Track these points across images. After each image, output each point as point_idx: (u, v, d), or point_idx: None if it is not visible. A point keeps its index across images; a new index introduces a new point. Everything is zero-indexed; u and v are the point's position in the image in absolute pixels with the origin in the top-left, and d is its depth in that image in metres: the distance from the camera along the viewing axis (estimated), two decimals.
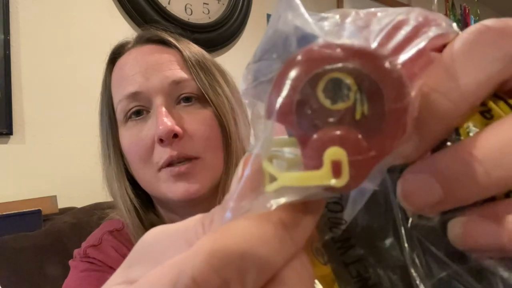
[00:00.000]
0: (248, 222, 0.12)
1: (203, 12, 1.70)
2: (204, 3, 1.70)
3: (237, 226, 0.12)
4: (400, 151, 0.12)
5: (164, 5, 1.56)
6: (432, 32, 0.12)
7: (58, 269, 1.04)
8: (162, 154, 0.45)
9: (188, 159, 0.46)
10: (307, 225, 0.13)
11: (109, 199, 1.36)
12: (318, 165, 0.11)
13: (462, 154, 0.12)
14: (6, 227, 1.03)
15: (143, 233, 0.29)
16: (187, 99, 0.48)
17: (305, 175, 0.12)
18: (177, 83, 0.47)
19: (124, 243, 0.51)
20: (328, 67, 0.11)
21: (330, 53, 0.12)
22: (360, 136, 0.11)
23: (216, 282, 0.11)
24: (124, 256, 0.43)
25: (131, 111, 0.47)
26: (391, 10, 0.13)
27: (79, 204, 1.23)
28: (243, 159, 0.14)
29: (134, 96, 0.47)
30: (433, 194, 0.12)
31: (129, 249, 0.44)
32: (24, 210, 1.10)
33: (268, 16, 2.01)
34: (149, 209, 0.52)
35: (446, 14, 2.83)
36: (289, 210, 0.12)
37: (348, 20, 0.14)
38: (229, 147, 0.48)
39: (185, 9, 1.64)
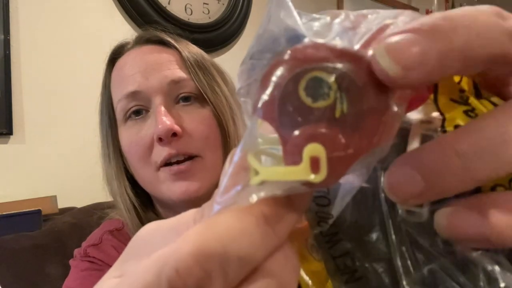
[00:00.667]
0: (230, 215, 0.12)
1: (203, 12, 1.70)
2: (204, 3, 1.70)
3: (220, 219, 0.12)
4: (384, 147, 0.13)
5: (164, 5, 1.56)
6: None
7: (58, 269, 1.04)
8: (161, 152, 0.46)
9: (188, 157, 0.46)
10: (290, 219, 0.13)
11: (109, 199, 1.36)
12: (297, 160, 0.12)
13: (442, 147, 0.12)
14: (6, 227, 1.03)
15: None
16: (186, 99, 0.48)
17: (285, 170, 0.12)
18: (176, 82, 0.47)
19: (124, 242, 0.51)
20: (309, 66, 0.12)
21: (312, 52, 0.12)
22: (339, 133, 0.12)
23: (199, 273, 0.11)
24: (121, 251, 0.43)
25: (131, 110, 0.48)
26: (382, 12, 0.14)
27: (79, 204, 1.23)
28: (230, 154, 0.15)
29: (133, 95, 0.47)
30: (415, 185, 0.12)
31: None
32: (24, 210, 1.10)
33: None
34: (148, 208, 0.52)
35: None
36: (271, 204, 0.13)
37: (336, 21, 0.14)
38: (228, 146, 0.49)
39: (185, 9, 1.64)
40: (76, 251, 0.54)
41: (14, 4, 1.24)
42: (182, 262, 0.12)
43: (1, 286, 0.92)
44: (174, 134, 0.45)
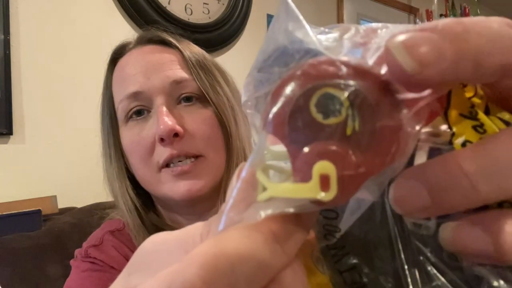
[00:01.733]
0: (238, 233, 0.12)
1: (203, 12, 1.70)
2: (204, 3, 1.70)
3: (227, 237, 0.12)
4: (397, 166, 0.12)
5: (164, 5, 1.56)
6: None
7: (58, 269, 1.04)
8: (163, 153, 0.45)
9: (189, 157, 0.46)
10: (299, 236, 0.13)
11: (109, 199, 1.35)
12: (307, 178, 0.11)
13: (450, 165, 0.12)
14: (6, 227, 1.03)
15: (144, 233, 0.28)
16: (188, 99, 0.48)
17: (294, 187, 0.12)
18: (177, 82, 0.47)
19: (125, 242, 0.51)
20: (320, 82, 0.11)
21: (324, 68, 0.12)
22: (350, 151, 0.11)
23: None
24: (125, 256, 0.43)
25: (132, 110, 0.47)
26: (391, 27, 0.14)
27: (79, 204, 1.23)
28: (238, 168, 0.14)
29: (135, 95, 0.47)
30: (420, 200, 0.12)
31: (130, 249, 0.43)
32: (24, 210, 1.10)
33: (268, 16, 2.01)
34: (149, 209, 0.52)
35: (446, 14, 2.83)
36: (280, 221, 0.12)
37: (347, 36, 0.14)
38: (230, 146, 0.48)
39: (185, 9, 1.64)
40: (77, 251, 0.54)
41: (14, 4, 1.24)
42: (190, 283, 0.11)
43: (1, 286, 0.92)
44: (176, 135, 0.45)
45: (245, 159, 0.47)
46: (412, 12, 2.98)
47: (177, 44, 0.50)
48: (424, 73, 0.11)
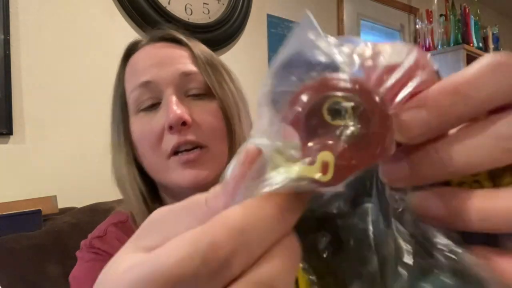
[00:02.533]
0: (256, 203, 0.15)
1: (203, 12, 1.70)
2: (204, 3, 1.70)
3: (244, 206, 0.15)
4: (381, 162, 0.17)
5: (164, 5, 1.56)
6: (418, 79, 0.16)
7: (58, 269, 1.04)
8: (171, 141, 0.48)
9: (195, 146, 0.49)
10: (298, 211, 0.16)
11: (109, 199, 1.35)
12: (312, 162, 0.15)
13: (426, 147, 0.16)
14: (6, 227, 1.03)
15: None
16: (196, 94, 0.51)
17: (302, 168, 0.15)
18: (186, 75, 0.50)
19: (127, 234, 0.53)
20: (333, 92, 0.15)
21: (338, 83, 0.16)
22: (347, 147, 0.15)
23: (230, 248, 0.14)
24: (123, 243, 0.44)
25: (144, 104, 0.50)
26: (395, 47, 0.17)
27: (79, 204, 1.23)
28: (245, 147, 0.17)
29: (146, 85, 0.50)
30: (402, 171, 0.16)
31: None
32: (24, 210, 1.10)
33: (268, 16, 2.01)
34: (155, 199, 0.54)
35: (446, 14, 2.83)
36: (284, 196, 0.15)
37: (357, 52, 0.17)
38: (232, 138, 0.51)
39: (185, 9, 1.64)
40: (82, 243, 0.56)
41: (14, 4, 1.24)
42: (216, 242, 0.14)
43: (1, 286, 0.92)
44: (184, 123, 0.47)
45: None
46: (412, 12, 2.98)
47: (188, 42, 0.53)
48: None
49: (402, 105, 0.16)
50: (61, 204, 1.22)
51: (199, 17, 1.67)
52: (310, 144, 0.15)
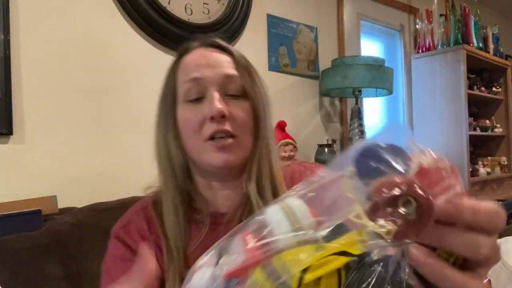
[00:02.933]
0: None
1: (203, 12, 1.70)
2: (204, 3, 1.70)
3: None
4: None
5: (164, 5, 1.56)
6: (457, 188, 0.27)
7: (58, 269, 1.04)
8: (210, 128, 0.59)
9: (229, 136, 0.60)
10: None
11: (109, 199, 1.35)
12: (386, 228, 0.25)
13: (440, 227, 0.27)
14: (6, 227, 1.03)
15: (178, 194, 0.61)
16: (234, 96, 0.62)
17: (381, 230, 0.25)
18: (229, 77, 0.61)
19: (146, 220, 0.63)
20: (408, 191, 0.25)
21: (411, 185, 0.25)
22: (406, 224, 0.25)
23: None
24: (141, 232, 0.62)
25: (190, 96, 0.61)
26: (444, 164, 0.28)
27: (79, 204, 1.23)
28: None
29: (195, 80, 0.61)
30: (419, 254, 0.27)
31: (148, 225, 0.63)
32: (24, 210, 1.10)
33: (268, 16, 2.01)
34: (186, 176, 0.65)
35: (446, 14, 2.83)
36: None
37: (415, 162, 0.27)
38: (258, 134, 0.63)
39: (185, 9, 1.64)
40: (112, 230, 0.65)
41: (14, 4, 1.24)
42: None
43: (1, 286, 0.92)
44: (223, 116, 0.59)
45: (267, 147, 0.63)
46: (412, 12, 2.98)
47: (232, 50, 0.65)
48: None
49: (443, 201, 0.26)
50: (61, 204, 1.22)
51: (199, 17, 1.67)
52: (386, 217, 0.25)
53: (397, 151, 0.28)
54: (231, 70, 0.62)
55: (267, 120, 0.64)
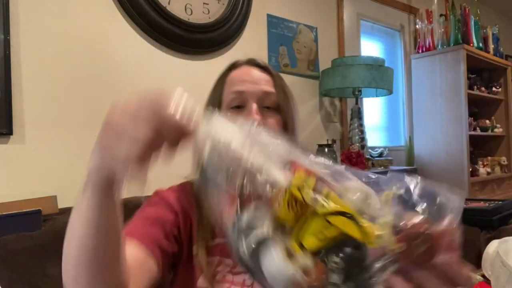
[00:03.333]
0: None
1: (203, 12, 1.70)
2: (204, 3, 1.70)
3: None
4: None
5: (164, 5, 1.56)
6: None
7: (58, 269, 1.03)
8: None
9: None
10: None
11: None
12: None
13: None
14: (6, 227, 1.03)
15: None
16: (269, 107, 0.73)
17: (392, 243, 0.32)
18: (267, 93, 0.73)
19: (184, 192, 0.75)
20: (423, 234, 0.31)
21: (427, 229, 0.32)
22: (413, 250, 0.31)
23: None
24: (178, 198, 0.74)
25: (233, 104, 0.73)
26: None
27: None
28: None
29: (239, 93, 0.73)
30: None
31: (185, 195, 0.75)
32: (24, 210, 1.10)
33: (268, 16, 2.01)
34: None
35: (446, 14, 2.83)
36: None
37: (423, 208, 0.34)
38: None
39: (185, 9, 1.64)
40: (153, 192, 0.76)
41: (14, 4, 1.24)
42: None
43: (1, 286, 0.92)
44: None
45: None
46: (412, 12, 2.98)
47: (272, 71, 0.77)
48: None
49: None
50: (61, 204, 1.22)
51: (199, 17, 1.67)
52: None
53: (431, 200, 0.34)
54: (269, 88, 0.74)
55: (295, 131, 0.76)
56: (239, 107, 0.73)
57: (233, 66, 0.79)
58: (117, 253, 0.48)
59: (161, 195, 0.74)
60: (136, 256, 0.58)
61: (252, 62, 0.79)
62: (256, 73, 0.76)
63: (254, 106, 0.71)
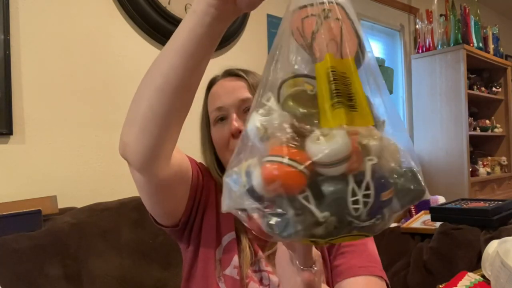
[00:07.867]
0: None
1: None
2: None
3: None
4: None
5: (164, 5, 1.56)
6: None
7: (58, 269, 1.04)
8: (234, 144, 0.74)
9: None
10: None
11: (109, 199, 1.35)
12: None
13: None
14: (6, 227, 1.03)
15: (216, 187, 0.82)
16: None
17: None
18: (244, 100, 0.76)
19: (207, 174, 0.81)
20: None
21: None
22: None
23: None
24: (203, 176, 0.82)
25: (218, 117, 0.78)
26: None
27: (79, 204, 1.23)
28: None
29: (219, 108, 0.77)
30: None
31: (208, 179, 0.83)
32: (24, 210, 1.10)
33: (268, 16, 2.01)
34: (220, 171, 0.82)
35: (446, 14, 2.83)
36: None
37: None
38: None
39: (185, 9, 1.64)
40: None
41: (14, 4, 1.24)
42: None
43: (1, 286, 0.92)
44: (240, 132, 0.72)
45: None
46: (412, 12, 2.97)
47: (245, 76, 0.79)
48: None
49: None
50: (61, 204, 1.22)
51: None
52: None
53: None
54: (245, 94, 0.77)
55: None
56: (223, 119, 0.78)
57: (211, 84, 0.83)
58: (199, 79, 0.54)
59: (194, 160, 0.79)
60: (181, 154, 0.70)
61: (227, 73, 0.82)
62: (230, 84, 0.79)
63: (233, 115, 0.75)
